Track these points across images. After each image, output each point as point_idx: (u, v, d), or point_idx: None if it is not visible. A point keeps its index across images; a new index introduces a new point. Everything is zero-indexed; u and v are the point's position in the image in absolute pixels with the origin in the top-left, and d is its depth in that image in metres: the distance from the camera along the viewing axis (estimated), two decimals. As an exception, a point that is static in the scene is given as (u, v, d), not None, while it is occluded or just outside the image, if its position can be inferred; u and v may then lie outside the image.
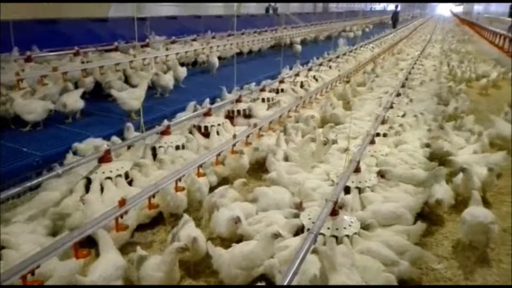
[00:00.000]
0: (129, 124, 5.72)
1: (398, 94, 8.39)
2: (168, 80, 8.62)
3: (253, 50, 15.19)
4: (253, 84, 9.10)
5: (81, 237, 3.20)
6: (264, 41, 15.97)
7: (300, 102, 7.78)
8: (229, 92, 8.29)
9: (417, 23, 36.68)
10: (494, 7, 32.56)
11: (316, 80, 9.98)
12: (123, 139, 5.58)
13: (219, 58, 12.03)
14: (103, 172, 4.47)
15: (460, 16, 52.48)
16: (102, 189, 4.28)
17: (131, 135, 5.61)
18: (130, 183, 4.55)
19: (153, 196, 3.96)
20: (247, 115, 7.09)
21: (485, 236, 3.65)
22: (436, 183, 4.46)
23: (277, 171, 4.82)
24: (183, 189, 4.26)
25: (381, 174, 4.70)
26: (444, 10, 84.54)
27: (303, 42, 18.12)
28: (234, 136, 5.41)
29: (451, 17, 60.12)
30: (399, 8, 33.09)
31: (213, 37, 14.39)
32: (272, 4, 29.08)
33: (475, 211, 3.76)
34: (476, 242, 3.71)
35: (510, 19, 19.99)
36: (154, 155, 5.27)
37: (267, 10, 29.01)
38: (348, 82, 10.25)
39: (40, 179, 4.01)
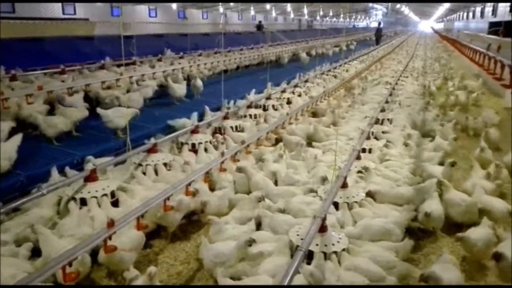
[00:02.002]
0: (89, 157, 5.46)
1: (382, 110, 8.51)
2: (137, 98, 8.26)
3: (239, 67, 15.35)
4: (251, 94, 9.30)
5: (70, 259, 3.15)
6: (250, 58, 16.15)
7: (287, 119, 7.84)
8: (217, 109, 8.35)
9: (400, 39, 37.47)
10: (473, 24, 33.56)
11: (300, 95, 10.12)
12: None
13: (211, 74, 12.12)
14: (89, 192, 4.43)
15: (442, 33, 53.82)
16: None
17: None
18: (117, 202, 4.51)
19: (142, 216, 3.92)
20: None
21: (475, 215, 4.31)
22: (428, 197, 4.51)
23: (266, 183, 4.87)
24: (171, 208, 4.24)
25: (370, 195, 4.70)
26: (425, 27, 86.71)
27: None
28: (222, 154, 5.41)
29: (432, 34, 61.60)
30: (382, 25, 33.86)
31: (200, 55, 14.52)
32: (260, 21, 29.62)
33: (462, 196, 4.49)
34: (467, 220, 4.32)
35: (490, 36, 20.55)
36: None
37: (258, 27, 29.42)
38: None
39: (24, 199, 3.94)
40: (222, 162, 5.37)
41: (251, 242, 3.51)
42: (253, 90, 9.80)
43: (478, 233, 3.77)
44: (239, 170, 5.08)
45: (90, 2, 20.99)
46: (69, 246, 3.36)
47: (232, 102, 8.84)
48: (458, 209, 4.41)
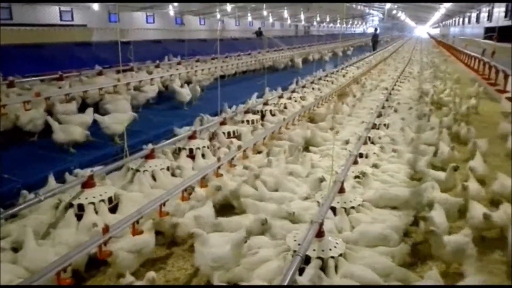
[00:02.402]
0: (77, 170, 5.32)
1: (379, 115, 8.55)
2: (121, 105, 8.05)
3: (237, 72, 15.42)
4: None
5: (65, 265, 3.16)
6: (247, 64, 16.22)
7: (284, 124, 7.87)
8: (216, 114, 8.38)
9: (396, 45, 37.66)
10: (469, 29, 33.77)
11: (299, 99, 10.15)
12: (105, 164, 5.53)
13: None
14: (86, 198, 4.43)
15: (438, 39, 54.24)
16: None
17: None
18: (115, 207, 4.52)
19: (137, 222, 3.93)
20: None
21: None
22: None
23: (259, 187, 4.88)
24: (167, 214, 4.24)
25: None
26: (421, 32, 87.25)
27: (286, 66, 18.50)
28: (219, 159, 5.42)
29: (428, 39, 62.01)
30: (378, 31, 34.07)
31: (197, 60, 14.58)
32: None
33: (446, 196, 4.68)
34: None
35: (484, 41, 20.69)
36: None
37: (258, 33, 29.54)
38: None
39: (22, 206, 3.95)
40: (219, 168, 5.38)
41: (247, 238, 3.59)
42: (255, 94, 9.87)
43: (451, 237, 3.73)
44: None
45: (88, 2, 20.92)
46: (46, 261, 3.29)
47: (234, 107, 8.92)
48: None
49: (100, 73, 10.60)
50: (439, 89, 12.45)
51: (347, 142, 6.97)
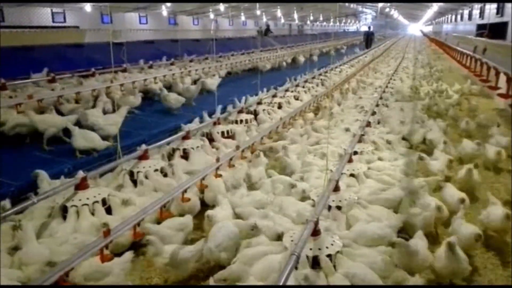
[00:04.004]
0: (39, 171, 4.98)
1: (374, 113, 8.56)
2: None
3: (231, 72, 15.38)
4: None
5: (69, 269, 3.14)
6: (242, 64, 16.20)
7: (280, 124, 7.86)
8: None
9: (389, 43, 37.79)
10: (462, 26, 33.92)
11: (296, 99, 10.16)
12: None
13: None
14: (80, 199, 4.40)
15: (431, 36, 54.53)
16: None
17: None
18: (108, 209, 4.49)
19: (138, 224, 3.91)
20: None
21: None
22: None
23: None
24: (168, 215, 4.23)
25: None
26: (415, 30, 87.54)
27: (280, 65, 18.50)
28: (218, 160, 5.40)
29: (421, 37, 62.29)
30: (372, 29, 34.14)
31: (191, 61, 14.54)
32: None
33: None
34: None
35: (475, 38, 20.76)
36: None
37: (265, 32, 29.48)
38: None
39: (15, 209, 3.91)
40: (218, 168, 5.36)
41: (254, 227, 3.90)
42: (265, 91, 10.06)
43: None
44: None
45: (81, 2, 20.70)
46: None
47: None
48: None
49: (92, 75, 10.54)
50: (435, 88, 12.26)
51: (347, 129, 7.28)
